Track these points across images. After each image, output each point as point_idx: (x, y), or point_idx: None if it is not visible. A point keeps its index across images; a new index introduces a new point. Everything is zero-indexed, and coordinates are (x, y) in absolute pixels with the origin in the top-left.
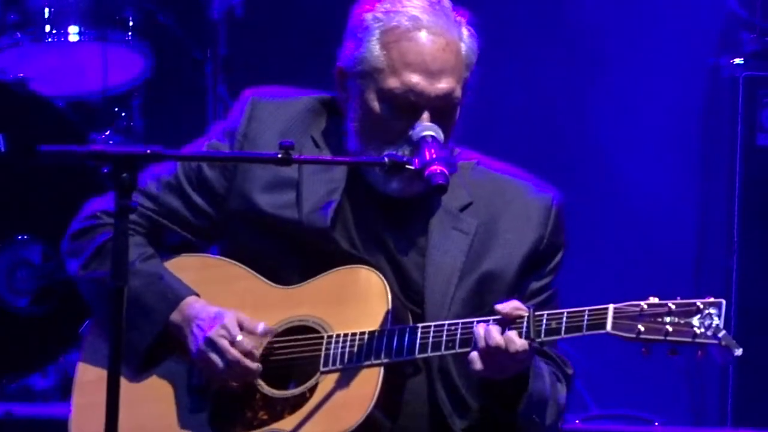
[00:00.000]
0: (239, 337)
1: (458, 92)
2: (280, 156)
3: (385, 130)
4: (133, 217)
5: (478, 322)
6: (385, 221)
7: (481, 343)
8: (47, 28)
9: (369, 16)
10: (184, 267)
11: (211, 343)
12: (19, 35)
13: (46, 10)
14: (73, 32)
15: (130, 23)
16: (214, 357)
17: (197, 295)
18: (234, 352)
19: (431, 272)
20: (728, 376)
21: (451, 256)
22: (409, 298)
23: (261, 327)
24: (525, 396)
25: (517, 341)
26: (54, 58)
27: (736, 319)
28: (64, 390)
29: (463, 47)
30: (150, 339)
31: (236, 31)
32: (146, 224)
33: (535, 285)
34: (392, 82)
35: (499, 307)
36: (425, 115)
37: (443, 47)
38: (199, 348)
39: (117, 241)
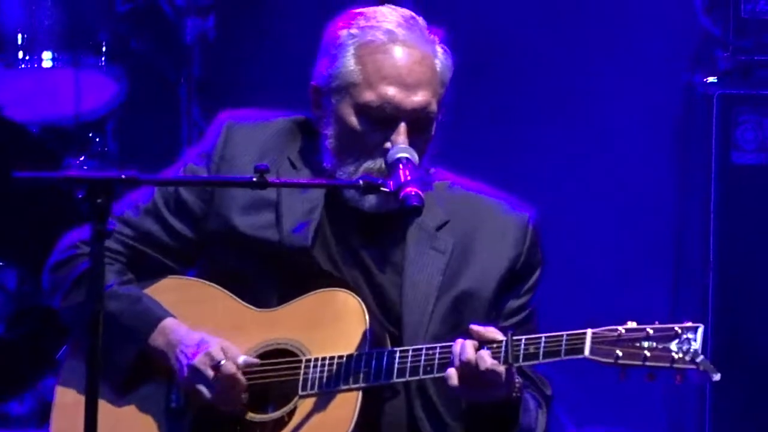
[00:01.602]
0: (223, 362)
1: (434, 106)
2: (255, 179)
3: (362, 144)
4: (112, 245)
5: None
6: (363, 238)
7: (456, 360)
8: (20, 54)
9: (344, 32)
10: (163, 289)
11: (196, 372)
12: None
13: (19, 36)
14: (47, 58)
15: (103, 48)
16: (199, 386)
17: (174, 317)
18: (218, 380)
19: (408, 291)
20: (705, 395)
21: (428, 275)
22: (387, 317)
23: (242, 360)
24: (514, 430)
25: (488, 360)
26: (27, 84)
27: (713, 337)
28: (41, 416)
29: (438, 63)
30: (130, 360)
31: (209, 55)
32: (125, 252)
33: (513, 304)
34: (368, 96)
35: (473, 327)
36: (401, 127)
37: (419, 60)
38: (183, 375)
39: (93, 265)
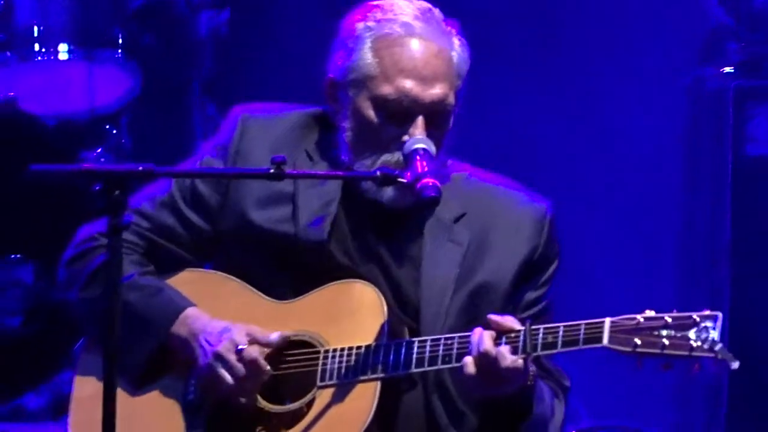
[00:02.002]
0: (246, 347)
1: (451, 99)
2: (272, 171)
3: (379, 137)
4: (129, 237)
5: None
6: (380, 232)
7: (474, 350)
8: (36, 47)
9: (360, 25)
10: (180, 282)
11: (220, 358)
12: (8, 54)
13: (35, 28)
14: (63, 50)
15: (119, 41)
16: (222, 371)
17: (196, 306)
18: (241, 366)
19: (426, 285)
20: (722, 387)
21: (445, 268)
22: (404, 310)
23: (274, 336)
24: (528, 419)
25: (508, 357)
26: (43, 77)
27: (729, 330)
28: (57, 409)
29: (455, 55)
30: (151, 351)
31: (223, 49)
32: (142, 244)
33: (530, 296)
34: (386, 89)
35: (491, 316)
36: (419, 121)
37: (436, 53)
38: (206, 363)
39: (110, 258)
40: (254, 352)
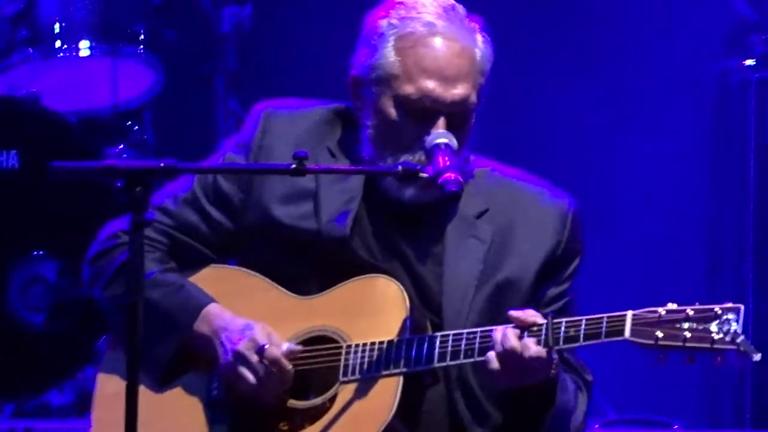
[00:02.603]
0: (267, 346)
1: (473, 98)
2: (293, 167)
3: (401, 137)
4: (152, 234)
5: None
6: (402, 230)
7: (498, 347)
8: (58, 43)
9: (383, 22)
10: (204, 279)
11: (241, 357)
12: (31, 51)
13: (57, 25)
14: (84, 47)
15: (141, 37)
16: (244, 371)
17: (217, 303)
18: (262, 365)
19: (448, 281)
20: (746, 379)
21: (468, 265)
22: (427, 307)
23: (285, 347)
24: (551, 409)
25: (532, 347)
26: (65, 73)
27: (752, 322)
28: (81, 406)
29: (478, 53)
30: (174, 348)
31: (246, 44)
32: (165, 241)
33: (553, 292)
34: (408, 88)
35: (513, 312)
36: (441, 121)
37: (458, 53)
38: (227, 361)
39: (133, 255)
40: (276, 351)
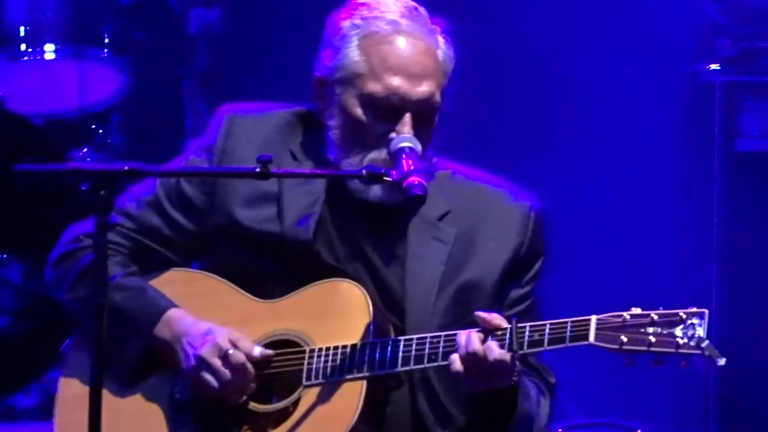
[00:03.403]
0: (231, 351)
1: (438, 97)
2: (258, 170)
3: (367, 135)
4: (115, 237)
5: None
6: (366, 231)
7: (461, 350)
8: (23, 46)
9: (347, 23)
10: (167, 282)
11: (204, 362)
12: None
13: (22, 28)
14: (50, 50)
15: (106, 40)
16: (206, 376)
17: (179, 308)
18: (225, 370)
19: (411, 283)
20: (710, 383)
21: (431, 266)
22: (390, 308)
23: (257, 351)
24: (514, 415)
25: (495, 350)
26: (31, 77)
27: (718, 326)
28: (47, 409)
29: (440, 53)
30: (136, 352)
31: (213, 46)
32: (128, 244)
33: (516, 293)
34: (374, 86)
35: (479, 313)
36: (407, 117)
37: (423, 51)
38: (190, 366)
39: (96, 258)
40: (240, 356)
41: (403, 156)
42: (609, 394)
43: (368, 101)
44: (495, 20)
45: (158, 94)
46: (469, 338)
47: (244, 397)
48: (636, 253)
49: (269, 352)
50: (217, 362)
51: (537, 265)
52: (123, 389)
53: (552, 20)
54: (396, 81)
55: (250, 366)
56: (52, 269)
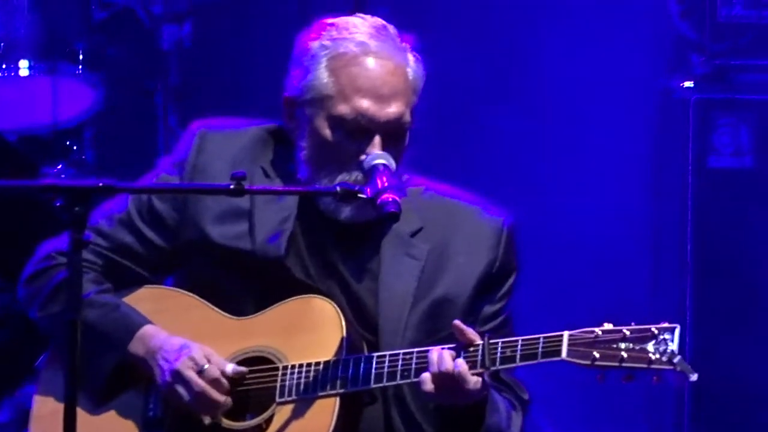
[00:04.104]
0: (206, 366)
1: (408, 116)
2: (232, 187)
3: (337, 156)
4: (87, 255)
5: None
6: (338, 248)
7: (433, 368)
8: None
9: (315, 44)
10: (139, 299)
11: (179, 376)
12: None
13: None
14: (24, 66)
15: (80, 56)
16: (181, 390)
17: (153, 324)
18: (201, 384)
19: (384, 299)
20: (684, 397)
21: (404, 282)
22: (363, 325)
23: (230, 368)
24: (481, 430)
25: (465, 369)
26: (5, 92)
27: (691, 340)
28: (19, 424)
29: (410, 72)
30: (109, 368)
31: (186, 62)
32: (100, 262)
33: (489, 309)
34: (342, 108)
35: (456, 323)
36: (376, 140)
37: (392, 71)
38: (165, 380)
39: (71, 275)
40: (215, 371)
41: (378, 173)
42: (582, 407)
43: (337, 123)
44: (468, 28)
45: (131, 110)
46: (441, 357)
47: (218, 413)
48: (609, 268)
49: (242, 369)
50: (193, 375)
51: (509, 282)
52: (96, 406)
53: (524, 33)
54: (365, 103)
55: (224, 381)
56: (24, 287)
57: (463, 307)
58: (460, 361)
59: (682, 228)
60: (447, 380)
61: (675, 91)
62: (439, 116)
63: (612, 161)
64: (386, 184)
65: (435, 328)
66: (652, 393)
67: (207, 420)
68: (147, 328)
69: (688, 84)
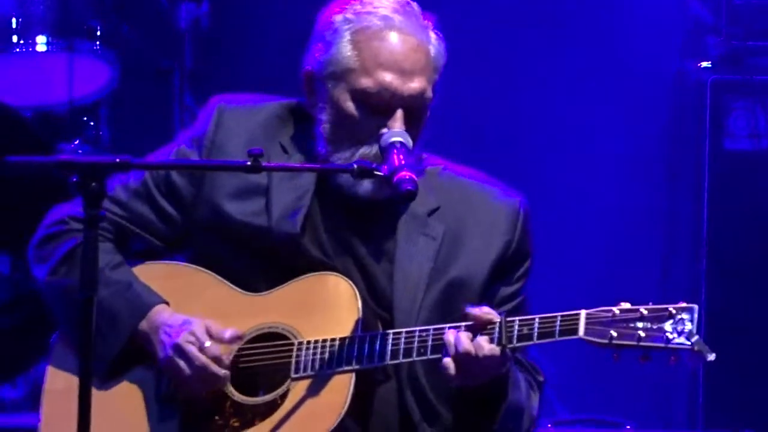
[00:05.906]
0: (207, 343)
1: (429, 93)
2: (249, 164)
3: (358, 130)
4: (101, 223)
5: (450, 328)
6: (354, 226)
7: (452, 350)
8: (14, 38)
9: (338, 17)
10: (153, 276)
11: (179, 350)
12: None
13: (14, 20)
14: (41, 42)
15: (98, 33)
16: (182, 363)
17: (167, 302)
18: (202, 358)
19: (399, 279)
20: (698, 380)
21: (419, 263)
22: (378, 303)
23: (228, 333)
24: (503, 406)
25: (485, 346)
26: (21, 69)
27: (706, 323)
28: (34, 400)
29: (432, 49)
30: (116, 349)
31: (202, 41)
32: (114, 230)
33: (505, 291)
34: (365, 82)
35: (470, 309)
36: (398, 114)
37: (415, 47)
38: (166, 355)
39: (86, 252)
40: (216, 349)
41: (394, 151)
42: (596, 391)
43: (359, 96)
44: (480, 19)
45: (147, 88)
46: (458, 338)
47: (220, 387)
48: (625, 251)
49: (239, 332)
50: (193, 349)
51: (525, 264)
52: (107, 383)
53: (539, 19)
54: (388, 77)
55: (225, 358)
56: (34, 250)
57: (479, 289)
58: (480, 338)
59: (697, 210)
60: (467, 361)
61: (691, 74)
62: (455, 102)
63: (628, 144)
64: (403, 162)
65: (450, 309)
66: (665, 375)
67: (208, 392)
68: (157, 308)
69: (705, 65)
